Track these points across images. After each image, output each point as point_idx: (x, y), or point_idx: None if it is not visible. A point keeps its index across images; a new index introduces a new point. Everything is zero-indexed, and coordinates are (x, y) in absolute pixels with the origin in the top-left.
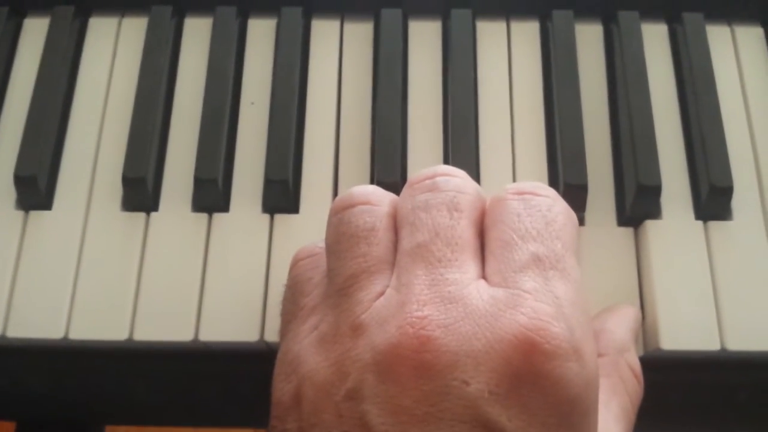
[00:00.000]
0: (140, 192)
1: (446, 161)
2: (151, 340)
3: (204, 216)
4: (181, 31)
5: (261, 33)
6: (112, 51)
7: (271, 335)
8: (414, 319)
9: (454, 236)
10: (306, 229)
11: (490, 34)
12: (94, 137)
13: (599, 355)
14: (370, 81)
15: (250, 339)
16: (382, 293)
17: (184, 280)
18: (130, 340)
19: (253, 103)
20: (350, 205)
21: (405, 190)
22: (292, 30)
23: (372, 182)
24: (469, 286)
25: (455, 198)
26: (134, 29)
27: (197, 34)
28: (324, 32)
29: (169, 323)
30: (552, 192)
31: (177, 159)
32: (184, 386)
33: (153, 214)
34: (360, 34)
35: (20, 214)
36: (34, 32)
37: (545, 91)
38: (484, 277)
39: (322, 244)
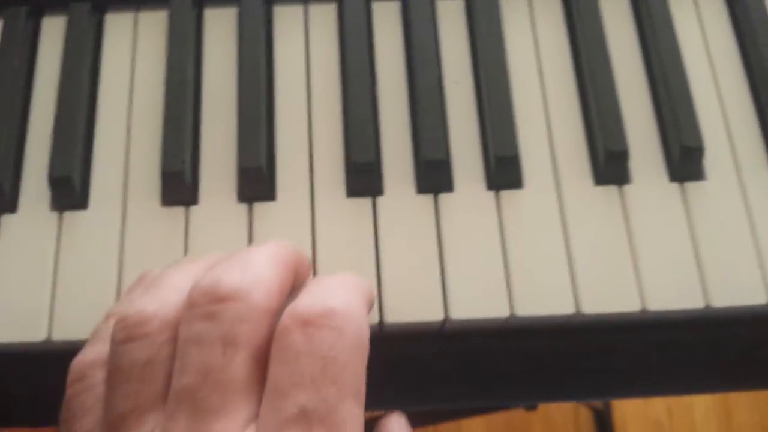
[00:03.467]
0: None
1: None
2: None
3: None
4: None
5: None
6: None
7: None
8: None
9: (225, 379)
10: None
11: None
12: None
13: None
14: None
15: None
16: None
17: None
18: None
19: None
20: (128, 338)
21: (185, 307)
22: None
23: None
24: None
25: (232, 330)
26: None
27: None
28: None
29: None
30: (342, 316)
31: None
32: None
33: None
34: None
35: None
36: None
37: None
38: (258, 417)
39: (93, 358)
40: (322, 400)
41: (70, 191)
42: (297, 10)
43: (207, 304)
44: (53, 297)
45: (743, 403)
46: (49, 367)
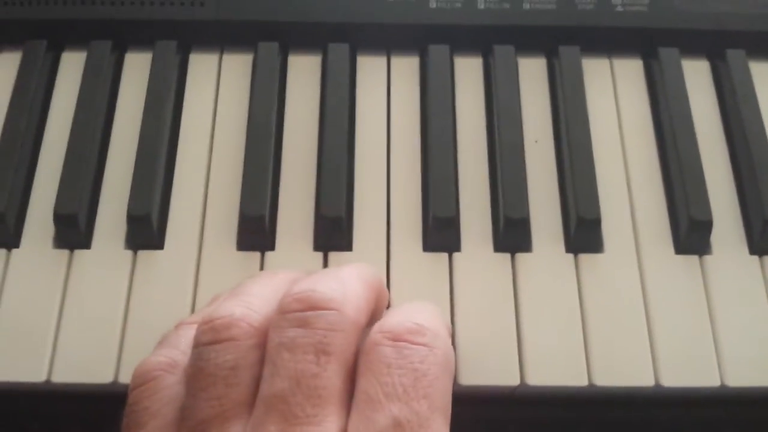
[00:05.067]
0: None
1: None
2: None
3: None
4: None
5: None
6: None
7: None
8: None
9: (317, 387)
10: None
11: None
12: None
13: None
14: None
15: None
16: None
17: None
18: None
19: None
20: (213, 341)
21: (275, 314)
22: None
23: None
24: None
25: (325, 338)
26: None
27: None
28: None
29: None
30: (431, 334)
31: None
32: None
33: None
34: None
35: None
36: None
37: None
38: (346, 429)
39: (161, 363)
40: (415, 413)
41: (146, 230)
42: (380, 60)
43: (301, 310)
44: (123, 338)
45: None
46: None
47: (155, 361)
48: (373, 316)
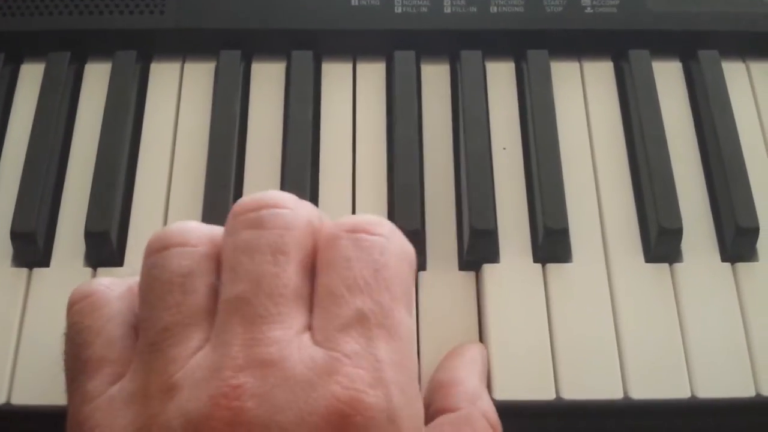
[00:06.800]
0: None
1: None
2: None
3: None
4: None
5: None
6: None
7: None
8: (227, 389)
9: (278, 286)
10: None
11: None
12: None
13: (452, 410)
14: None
15: None
16: (199, 348)
17: None
18: None
19: None
20: (164, 247)
21: (228, 221)
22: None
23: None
24: (290, 345)
25: (282, 238)
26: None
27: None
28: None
29: None
30: (387, 228)
31: None
32: None
33: None
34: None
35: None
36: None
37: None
38: (310, 327)
39: (99, 282)
40: (378, 303)
41: (105, 247)
42: (346, 67)
43: (252, 211)
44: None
45: None
46: None
47: (91, 281)
48: None
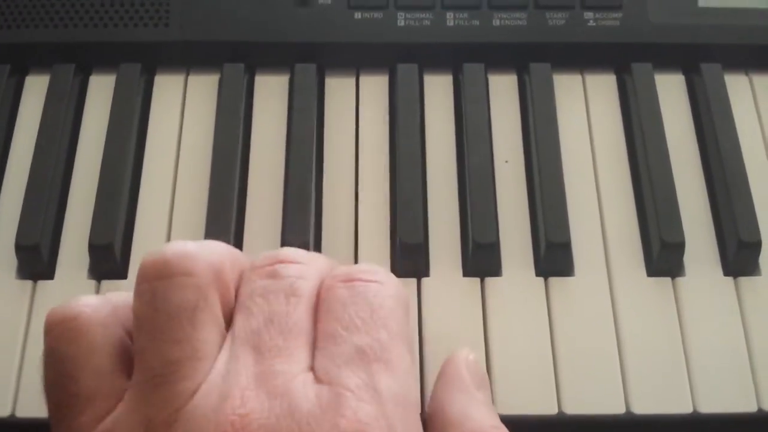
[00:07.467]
0: None
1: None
2: None
3: None
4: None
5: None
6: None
7: None
8: (235, 418)
9: (288, 323)
10: None
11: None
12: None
13: None
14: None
15: None
16: (204, 380)
17: None
18: None
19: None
20: (165, 275)
21: (246, 273)
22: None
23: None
24: (296, 379)
25: (294, 284)
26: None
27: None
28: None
29: None
30: (381, 275)
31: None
32: None
33: None
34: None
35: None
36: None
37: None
38: (312, 368)
39: (80, 303)
40: (376, 339)
41: (109, 259)
42: (349, 80)
43: (270, 264)
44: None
45: None
46: None
47: (71, 301)
48: None
